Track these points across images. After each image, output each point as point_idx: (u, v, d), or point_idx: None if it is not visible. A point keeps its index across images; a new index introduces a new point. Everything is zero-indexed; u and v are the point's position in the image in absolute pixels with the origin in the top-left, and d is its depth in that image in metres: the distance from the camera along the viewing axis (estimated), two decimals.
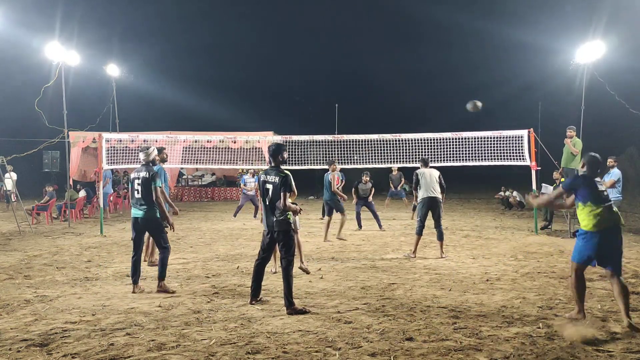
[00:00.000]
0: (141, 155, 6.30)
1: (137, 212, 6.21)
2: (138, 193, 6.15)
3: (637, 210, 16.13)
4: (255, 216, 14.82)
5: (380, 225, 12.10)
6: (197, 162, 13.61)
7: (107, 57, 23.11)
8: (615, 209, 4.86)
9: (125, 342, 4.30)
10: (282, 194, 5.32)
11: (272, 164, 5.58)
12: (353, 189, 12.31)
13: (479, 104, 10.22)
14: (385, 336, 4.43)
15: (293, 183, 5.46)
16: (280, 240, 5.42)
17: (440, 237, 8.57)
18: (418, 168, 8.95)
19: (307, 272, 7.09)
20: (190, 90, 36.85)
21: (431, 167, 8.93)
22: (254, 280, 5.61)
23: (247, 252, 8.97)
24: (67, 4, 29.70)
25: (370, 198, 12.24)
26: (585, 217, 4.78)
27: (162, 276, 6.15)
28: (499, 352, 4.04)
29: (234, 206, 15.31)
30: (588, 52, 12.80)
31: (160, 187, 6.18)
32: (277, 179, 5.38)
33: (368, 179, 12.22)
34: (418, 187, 8.63)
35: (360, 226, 12.26)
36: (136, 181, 6.20)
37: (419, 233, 8.55)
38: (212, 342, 4.31)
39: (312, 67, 44.37)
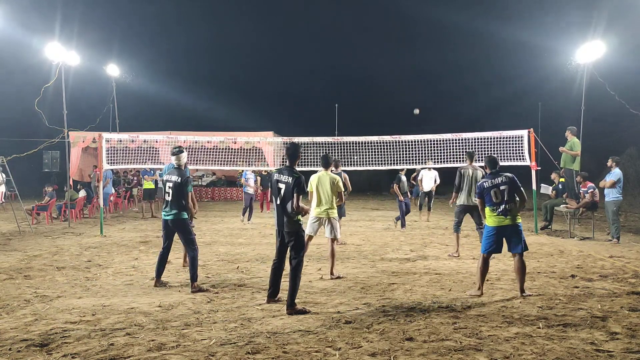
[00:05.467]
0: (173, 159, 6.31)
1: (166, 215, 6.25)
2: (169, 196, 6.18)
3: (637, 210, 16.13)
4: (249, 220, 13.85)
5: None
6: (197, 163, 13.59)
7: (107, 57, 23.17)
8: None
9: (125, 342, 4.30)
10: (295, 195, 5.26)
11: (287, 164, 5.52)
12: (396, 185, 11.87)
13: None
14: (385, 336, 4.43)
15: (305, 184, 5.44)
16: (290, 240, 5.38)
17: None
18: (414, 169, 8.77)
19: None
20: (190, 90, 36.88)
21: (432, 168, 8.67)
22: (270, 281, 5.60)
23: (247, 252, 8.96)
24: (67, 5, 29.77)
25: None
26: None
27: (194, 278, 6.14)
28: (499, 352, 4.04)
29: (234, 206, 15.31)
30: (588, 52, 12.81)
31: (191, 192, 6.16)
32: (290, 179, 5.32)
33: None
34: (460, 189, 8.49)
35: (403, 225, 12.10)
36: (167, 184, 6.22)
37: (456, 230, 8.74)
38: (212, 342, 4.31)
39: (312, 67, 44.38)
